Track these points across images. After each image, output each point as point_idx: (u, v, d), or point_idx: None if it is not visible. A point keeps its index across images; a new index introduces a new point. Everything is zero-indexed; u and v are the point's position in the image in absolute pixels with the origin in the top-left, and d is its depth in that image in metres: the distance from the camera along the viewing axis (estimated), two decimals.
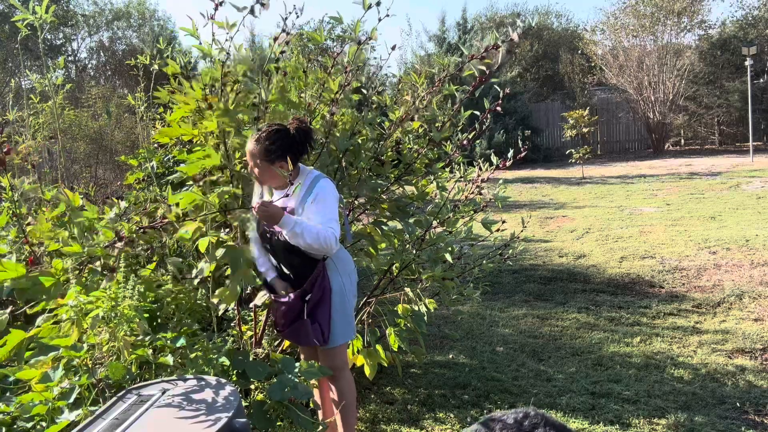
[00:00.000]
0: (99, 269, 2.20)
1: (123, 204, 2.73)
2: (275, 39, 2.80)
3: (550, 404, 3.17)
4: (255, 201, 2.57)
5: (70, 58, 20.05)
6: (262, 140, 2.41)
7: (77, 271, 2.18)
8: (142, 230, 2.33)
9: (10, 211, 2.47)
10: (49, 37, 18.02)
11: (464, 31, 20.51)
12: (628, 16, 19.15)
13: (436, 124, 3.17)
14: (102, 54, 21.04)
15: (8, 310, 2.24)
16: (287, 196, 2.42)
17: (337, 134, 2.97)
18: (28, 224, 2.40)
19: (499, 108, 2.99)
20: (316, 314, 2.48)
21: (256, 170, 2.46)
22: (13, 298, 2.36)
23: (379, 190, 3.08)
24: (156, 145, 3.93)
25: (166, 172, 3.42)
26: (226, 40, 2.56)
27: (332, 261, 2.51)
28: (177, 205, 2.39)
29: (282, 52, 2.76)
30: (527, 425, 0.89)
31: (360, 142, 3.06)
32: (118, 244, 2.19)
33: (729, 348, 3.81)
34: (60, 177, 4.31)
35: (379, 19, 2.84)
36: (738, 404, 3.10)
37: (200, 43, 2.57)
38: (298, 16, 2.75)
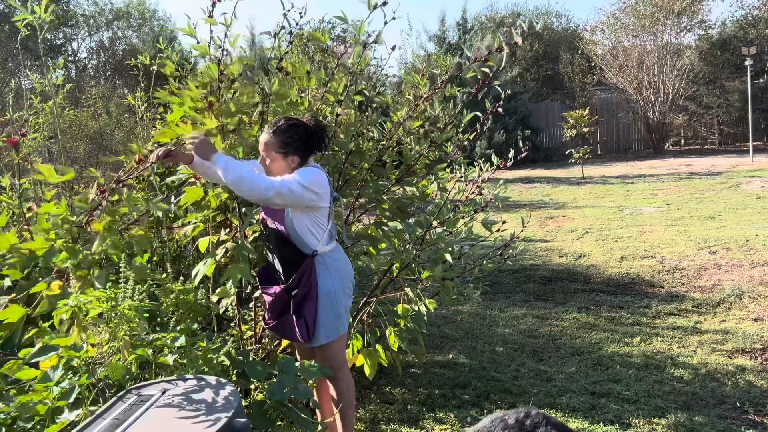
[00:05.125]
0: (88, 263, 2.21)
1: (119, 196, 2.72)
2: (275, 35, 2.79)
3: (550, 404, 3.17)
4: None
5: (70, 58, 20.06)
6: (279, 132, 2.40)
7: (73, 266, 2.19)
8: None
9: (10, 211, 2.48)
10: (49, 37, 18.02)
11: (464, 31, 20.50)
12: (628, 16, 19.13)
13: (438, 125, 3.16)
14: (102, 54, 21.05)
15: (8, 298, 2.24)
16: None
17: (341, 135, 2.96)
18: (29, 209, 2.41)
19: (500, 109, 2.99)
20: (302, 310, 2.45)
21: (267, 161, 2.44)
22: (13, 285, 2.35)
23: (381, 191, 3.07)
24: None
25: (166, 172, 3.41)
26: (225, 37, 2.56)
27: (322, 258, 2.46)
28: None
29: (285, 53, 2.75)
30: (529, 424, 0.89)
31: (363, 143, 3.05)
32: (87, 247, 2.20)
33: (729, 348, 3.81)
34: None
35: (385, 23, 2.76)
36: (738, 404, 3.10)
37: (198, 42, 2.56)
38: (301, 16, 2.74)
